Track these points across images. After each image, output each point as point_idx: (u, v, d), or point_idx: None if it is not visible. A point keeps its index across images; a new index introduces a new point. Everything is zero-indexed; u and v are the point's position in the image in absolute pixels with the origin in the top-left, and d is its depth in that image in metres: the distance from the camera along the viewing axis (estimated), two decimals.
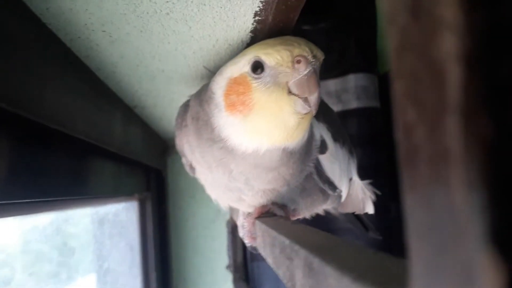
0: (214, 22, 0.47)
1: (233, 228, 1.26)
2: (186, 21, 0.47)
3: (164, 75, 0.65)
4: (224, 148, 0.51)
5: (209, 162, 0.54)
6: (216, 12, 0.45)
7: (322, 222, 1.04)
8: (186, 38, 0.51)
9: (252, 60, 0.46)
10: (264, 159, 0.51)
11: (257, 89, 0.46)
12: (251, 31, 0.50)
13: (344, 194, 0.63)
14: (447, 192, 0.11)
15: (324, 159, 0.56)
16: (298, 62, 0.44)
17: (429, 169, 0.12)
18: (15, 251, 0.53)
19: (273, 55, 0.45)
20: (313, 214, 0.65)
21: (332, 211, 0.82)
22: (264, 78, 0.46)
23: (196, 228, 1.28)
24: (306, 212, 0.64)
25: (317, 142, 0.55)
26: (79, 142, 0.56)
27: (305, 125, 0.49)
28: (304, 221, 0.72)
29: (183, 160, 0.64)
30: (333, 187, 0.60)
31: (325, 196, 0.62)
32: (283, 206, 0.61)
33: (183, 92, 0.75)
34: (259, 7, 0.45)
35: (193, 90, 0.72)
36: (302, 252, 0.32)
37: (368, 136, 1.21)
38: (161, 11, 0.44)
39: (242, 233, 0.68)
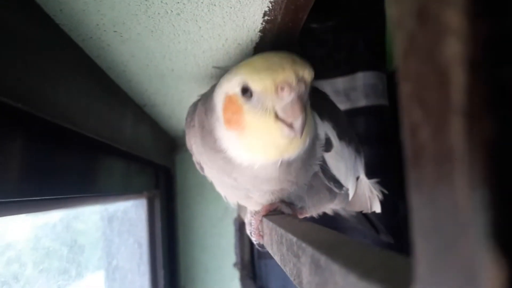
0: (224, 22, 0.48)
1: (240, 226, 1.27)
2: (197, 21, 0.47)
3: (174, 74, 0.66)
4: (225, 158, 0.52)
5: (215, 167, 0.56)
6: (226, 12, 0.46)
7: (330, 220, 1.04)
8: (196, 38, 0.52)
9: (241, 84, 0.46)
10: (261, 172, 0.52)
11: (248, 111, 0.46)
12: (260, 31, 0.51)
13: (351, 193, 0.64)
14: (451, 191, 0.11)
15: (330, 157, 0.56)
16: (282, 89, 0.44)
17: (433, 169, 0.13)
18: (26, 247, 0.54)
19: (258, 82, 0.45)
20: (320, 213, 0.66)
21: (342, 212, 0.82)
22: (253, 102, 0.46)
23: (204, 226, 1.29)
24: (313, 210, 0.65)
25: (322, 141, 0.55)
26: (90, 140, 0.57)
27: (302, 140, 0.49)
28: (312, 219, 0.73)
29: (194, 158, 0.65)
30: (339, 185, 0.61)
31: (332, 194, 0.62)
32: (290, 204, 0.61)
33: (193, 91, 0.75)
34: (268, 7, 0.45)
35: (202, 89, 0.73)
36: (309, 250, 0.33)
37: (377, 134, 1.21)
38: (172, 11, 0.44)
39: (249, 230, 0.69)
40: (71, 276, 0.59)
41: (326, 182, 0.58)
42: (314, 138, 0.53)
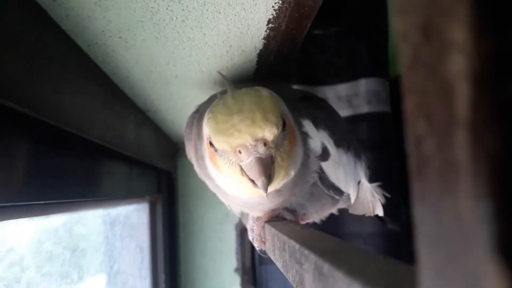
0: (229, 29, 0.48)
1: (241, 231, 1.27)
2: (201, 28, 0.48)
3: (178, 80, 0.67)
4: (217, 186, 0.54)
5: (211, 186, 0.59)
6: (231, 19, 0.46)
7: (330, 227, 1.04)
8: (201, 45, 0.52)
9: (207, 137, 0.47)
10: (250, 200, 0.53)
11: (219, 160, 0.47)
12: (264, 38, 0.51)
13: (352, 197, 0.64)
14: (455, 203, 0.12)
15: (328, 166, 0.56)
16: (239, 151, 0.44)
17: (438, 180, 0.13)
18: (29, 251, 0.54)
19: (217, 143, 0.45)
20: (323, 218, 0.66)
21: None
22: (219, 154, 0.47)
23: (205, 230, 1.29)
24: (315, 216, 0.65)
25: (317, 152, 0.54)
26: (94, 145, 0.58)
27: (284, 174, 0.49)
28: (313, 225, 0.73)
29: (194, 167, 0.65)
30: (339, 191, 0.61)
31: (334, 200, 0.63)
32: (292, 211, 0.61)
33: (196, 97, 0.76)
34: (272, 15, 0.46)
35: (205, 95, 0.73)
36: (312, 257, 0.33)
37: (379, 140, 1.21)
38: (177, 18, 0.45)
39: (251, 236, 0.69)
40: (73, 280, 0.59)
41: (325, 191, 0.58)
42: (305, 158, 0.53)
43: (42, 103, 0.40)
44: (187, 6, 0.42)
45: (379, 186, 0.67)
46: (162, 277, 1.04)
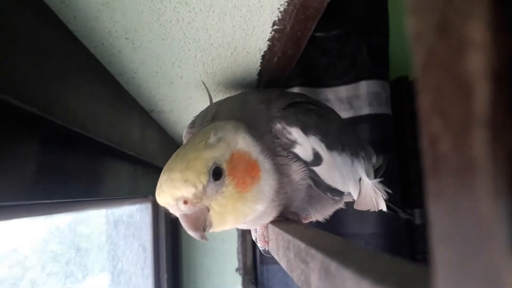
0: (234, 31, 0.49)
1: (243, 231, 1.27)
2: (207, 29, 0.48)
3: (182, 81, 0.67)
4: None
5: None
6: (236, 21, 0.46)
7: (331, 227, 1.04)
8: (206, 46, 0.53)
9: None
10: (248, 219, 0.53)
11: None
12: (269, 40, 0.52)
13: (354, 195, 0.63)
14: (473, 201, 0.12)
15: (321, 170, 0.56)
16: (167, 208, 0.49)
17: (454, 179, 0.13)
18: (34, 250, 0.54)
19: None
20: (327, 217, 0.66)
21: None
22: None
23: None
24: (318, 215, 0.65)
25: (309, 157, 0.55)
26: (99, 145, 0.58)
27: (252, 210, 0.51)
28: (314, 225, 0.73)
29: None
30: (338, 192, 0.61)
31: (335, 199, 0.63)
32: (295, 213, 0.62)
33: (200, 98, 0.76)
34: (278, 16, 0.46)
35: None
36: (319, 256, 0.33)
37: (379, 142, 1.21)
38: (183, 20, 0.45)
39: (254, 236, 0.69)
40: (77, 279, 0.59)
41: (323, 194, 0.59)
42: (280, 179, 0.53)
43: (50, 103, 0.40)
44: (193, 8, 0.43)
45: (381, 182, 0.67)
46: (164, 277, 1.04)
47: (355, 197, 0.65)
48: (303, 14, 0.45)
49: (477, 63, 0.11)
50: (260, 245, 0.66)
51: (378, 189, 0.66)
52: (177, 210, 0.48)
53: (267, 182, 0.52)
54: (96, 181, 0.63)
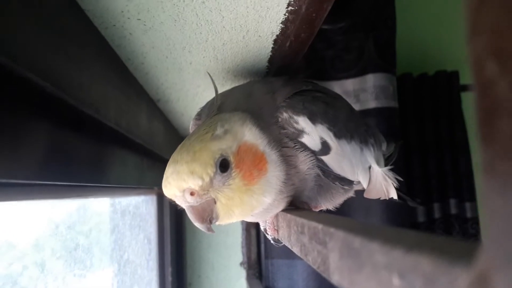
0: (247, 12, 0.48)
1: (247, 225, 1.27)
2: (220, 10, 0.47)
3: (191, 68, 0.66)
4: None
5: None
6: (250, 2, 0.46)
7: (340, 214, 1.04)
8: (218, 29, 0.52)
9: None
10: (255, 212, 0.53)
11: None
12: (282, 22, 0.51)
13: (364, 183, 0.63)
14: None
15: (330, 159, 0.55)
16: (173, 200, 0.49)
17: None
18: (45, 235, 0.54)
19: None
20: (337, 205, 0.65)
21: None
22: None
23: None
24: (328, 204, 0.64)
25: (317, 146, 0.54)
26: (109, 130, 0.57)
27: (259, 202, 0.51)
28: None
29: None
30: (347, 181, 0.60)
31: (345, 188, 0.62)
32: (304, 202, 0.61)
33: (208, 86, 0.76)
34: None
35: (218, 85, 0.73)
36: (339, 234, 0.32)
37: (386, 136, 1.20)
38: None
39: (263, 226, 0.68)
40: (86, 266, 0.59)
41: (331, 183, 0.58)
42: (288, 170, 0.53)
43: (64, 80, 0.40)
44: None
45: (391, 169, 0.66)
46: (168, 270, 1.04)
47: (365, 186, 0.64)
48: None
49: None
50: (269, 233, 0.65)
51: (389, 177, 0.66)
52: (183, 202, 0.48)
53: (274, 174, 0.51)
54: (104, 167, 0.62)
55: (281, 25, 0.52)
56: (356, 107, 1.21)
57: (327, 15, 0.50)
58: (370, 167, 0.64)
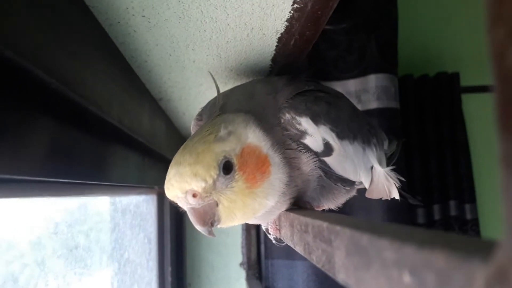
0: (253, 9, 0.48)
1: (247, 225, 1.26)
2: (225, 8, 0.47)
3: (194, 66, 0.66)
4: None
5: None
6: None
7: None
8: (223, 26, 0.52)
9: None
10: (258, 215, 0.53)
11: None
12: (287, 20, 0.51)
13: (366, 184, 0.63)
14: None
15: (333, 160, 0.55)
16: (175, 202, 0.49)
17: None
18: (45, 233, 0.53)
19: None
20: (339, 205, 0.65)
21: None
22: None
23: None
24: (330, 204, 0.64)
25: (319, 147, 0.54)
26: (111, 128, 0.57)
27: (262, 205, 0.51)
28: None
29: None
30: (349, 182, 0.60)
31: (347, 189, 0.62)
32: (307, 202, 0.61)
33: (211, 85, 0.75)
34: None
35: (221, 84, 0.73)
36: (346, 232, 0.32)
37: (387, 136, 1.20)
38: None
39: (265, 226, 0.68)
40: (86, 264, 0.59)
41: (333, 184, 0.58)
42: (290, 172, 0.53)
43: (69, 76, 0.39)
44: None
45: (393, 169, 0.66)
46: (168, 269, 1.03)
47: (367, 186, 0.64)
48: None
49: None
50: (271, 233, 0.65)
51: (391, 177, 0.65)
52: (185, 204, 0.48)
53: (277, 176, 0.51)
54: (105, 165, 0.62)
55: (286, 23, 0.52)
56: (358, 107, 1.21)
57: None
58: (372, 167, 0.63)
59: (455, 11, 1.91)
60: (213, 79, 0.56)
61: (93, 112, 0.48)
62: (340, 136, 0.56)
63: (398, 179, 0.66)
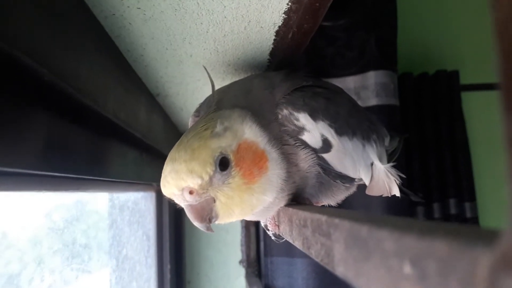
0: (249, 1, 0.47)
1: (247, 223, 1.26)
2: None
3: (192, 60, 0.65)
4: None
5: None
6: None
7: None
8: (219, 19, 0.51)
9: None
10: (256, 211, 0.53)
11: None
12: (285, 12, 0.50)
13: (366, 180, 0.62)
14: None
15: (331, 156, 0.54)
16: (172, 199, 0.49)
17: None
18: (42, 229, 0.53)
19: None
20: (339, 201, 0.64)
21: None
22: None
23: None
24: (329, 201, 0.63)
25: (318, 143, 0.53)
26: (107, 123, 0.56)
27: (260, 200, 0.50)
28: None
29: None
30: (349, 179, 0.59)
31: (346, 186, 0.61)
32: (306, 198, 0.60)
33: (207, 81, 0.74)
34: None
35: (219, 79, 0.72)
36: (345, 224, 0.32)
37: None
38: None
39: (264, 222, 0.68)
40: (83, 260, 0.58)
41: (332, 181, 0.57)
42: (288, 167, 0.52)
43: (62, 68, 0.39)
44: None
45: (393, 166, 0.66)
46: (167, 267, 1.03)
47: (367, 183, 0.63)
48: None
49: None
50: (270, 229, 0.64)
51: (391, 174, 0.65)
52: (182, 201, 0.47)
53: (275, 172, 0.50)
54: (102, 160, 0.61)
55: (283, 15, 0.51)
56: None
57: (328, 10, 0.49)
58: (372, 164, 0.63)
59: (455, 9, 1.90)
60: (208, 73, 0.55)
61: (88, 105, 0.47)
62: (339, 132, 0.55)
63: (399, 175, 0.66)
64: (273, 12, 0.50)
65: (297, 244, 0.49)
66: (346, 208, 0.71)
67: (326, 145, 0.54)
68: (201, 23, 0.52)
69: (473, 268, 0.15)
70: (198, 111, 0.66)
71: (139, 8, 0.48)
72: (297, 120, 0.52)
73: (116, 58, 0.59)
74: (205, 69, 0.56)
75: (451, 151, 1.60)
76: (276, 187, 0.51)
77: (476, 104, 1.72)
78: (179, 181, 0.45)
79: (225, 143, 0.47)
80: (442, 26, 1.89)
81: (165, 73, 0.71)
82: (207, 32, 0.55)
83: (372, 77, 1.21)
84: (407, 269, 0.21)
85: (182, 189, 0.46)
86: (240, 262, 1.26)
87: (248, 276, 1.24)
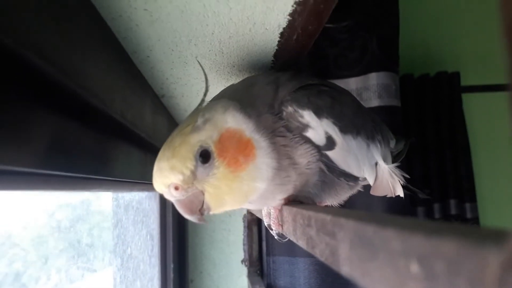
0: (255, 3, 0.48)
1: (249, 223, 1.26)
2: (228, 1, 0.47)
3: (197, 62, 0.66)
4: None
5: None
6: None
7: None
8: (225, 21, 0.52)
9: None
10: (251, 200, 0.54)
11: None
12: (290, 14, 0.51)
13: (370, 180, 0.62)
14: None
15: (335, 154, 0.55)
16: (162, 195, 0.50)
17: None
18: (48, 229, 0.53)
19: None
20: (342, 202, 0.65)
21: None
22: None
23: (213, 221, 1.29)
24: (333, 200, 0.64)
25: (321, 141, 0.53)
26: (114, 123, 0.57)
27: (230, 195, 0.51)
28: None
29: None
30: (353, 178, 0.59)
31: (350, 185, 0.62)
32: (309, 197, 0.61)
33: (213, 81, 0.75)
34: None
35: (223, 80, 0.73)
36: (350, 224, 0.32)
37: None
38: None
39: (267, 222, 0.68)
40: (89, 259, 0.58)
41: (336, 179, 0.57)
42: (279, 159, 0.52)
43: (71, 68, 0.39)
44: None
45: (397, 167, 0.66)
46: (171, 266, 1.03)
47: (371, 183, 0.64)
48: None
49: None
50: (274, 228, 0.65)
51: (395, 174, 0.65)
52: (171, 197, 0.49)
53: (263, 160, 0.51)
54: (108, 160, 0.62)
55: (288, 17, 0.51)
56: None
57: (332, 11, 0.50)
58: (376, 164, 0.63)
59: (456, 11, 1.91)
60: (201, 66, 0.56)
61: (95, 105, 0.47)
62: (343, 130, 0.55)
63: (403, 176, 0.66)
64: (278, 14, 0.51)
65: (301, 243, 0.50)
66: (349, 207, 0.72)
67: (330, 143, 0.54)
68: (207, 25, 0.53)
69: (482, 268, 0.16)
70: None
71: (146, 10, 0.48)
72: (302, 117, 0.53)
73: (123, 59, 0.60)
74: (198, 62, 0.57)
75: (451, 152, 1.61)
76: (266, 175, 0.51)
77: (477, 106, 1.72)
78: (163, 179, 0.48)
79: (205, 136, 0.48)
80: (443, 27, 1.90)
81: (170, 74, 0.71)
82: (213, 33, 0.55)
83: (374, 78, 1.21)
84: (414, 268, 0.22)
85: (168, 186, 0.48)
86: (243, 261, 1.27)
87: (250, 275, 1.25)
